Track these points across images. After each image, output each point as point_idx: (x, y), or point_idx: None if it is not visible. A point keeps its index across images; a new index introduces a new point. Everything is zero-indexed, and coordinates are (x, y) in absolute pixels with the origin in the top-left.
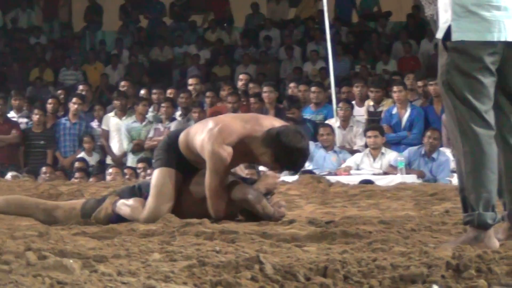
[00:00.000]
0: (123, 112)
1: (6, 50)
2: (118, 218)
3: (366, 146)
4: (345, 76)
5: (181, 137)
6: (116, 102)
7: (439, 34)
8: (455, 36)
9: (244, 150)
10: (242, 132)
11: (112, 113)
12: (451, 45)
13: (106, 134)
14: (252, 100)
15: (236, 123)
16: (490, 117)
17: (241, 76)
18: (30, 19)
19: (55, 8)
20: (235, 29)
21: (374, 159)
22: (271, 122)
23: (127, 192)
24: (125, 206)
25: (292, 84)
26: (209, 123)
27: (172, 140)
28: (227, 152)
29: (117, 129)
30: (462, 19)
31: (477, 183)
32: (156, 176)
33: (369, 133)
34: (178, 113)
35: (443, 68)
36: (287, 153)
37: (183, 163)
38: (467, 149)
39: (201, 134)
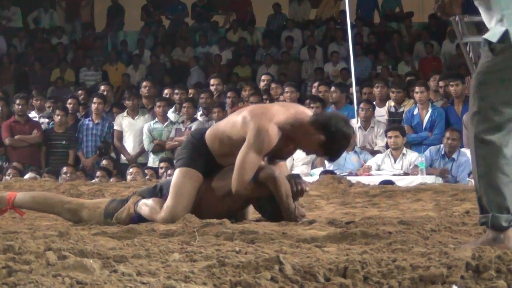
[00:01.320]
0: (135, 112)
1: (28, 50)
2: (139, 218)
3: (387, 146)
4: (366, 76)
5: (209, 132)
6: (128, 102)
7: (493, 38)
8: None
9: (289, 133)
10: (289, 115)
11: (124, 113)
12: (501, 48)
13: (119, 135)
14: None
15: (278, 107)
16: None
17: (263, 77)
18: (52, 19)
19: (77, 8)
20: (257, 29)
21: (395, 159)
22: (308, 110)
23: (149, 192)
24: (145, 206)
25: (315, 84)
26: (247, 109)
27: (196, 139)
28: (274, 131)
29: (130, 129)
30: None
31: (489, 186)
32: (176, 176)
33: (390, 134)
34: (199, 113)
35: (483, 68)
36: (336, 139)
37: (207, 162)
38: (480, 152)
39: (238, 118)
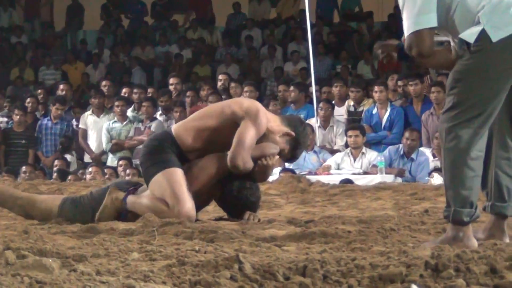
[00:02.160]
0: (100, 110)
1: None
2: (127, 214)
3: (346, 146)
4: (326, 76)
5: (179, 130)
6: (94, 100)
7: (470, 38)
8: (497, 35)
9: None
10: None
11: (89, 111)
12: (477, 48)
13: (84, 133)
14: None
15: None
16: (489, 122)
17: (220, 77)
18: (11, 18)
19: (37, 7)
20: (216, 28)
21: (355, 159)
22: None
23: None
24: (140, 205)
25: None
26: (229, 101)
27: (161, 141)
28: (264, 120)
29: (95, 127)
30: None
31: (454, 179)
32: (162, 179)
33: (350, 133)
34: (159, 113)
35: (459, 66)
36: (303, 140)
37: (179, 159)
38: (448, 146)
39: (225, 108)
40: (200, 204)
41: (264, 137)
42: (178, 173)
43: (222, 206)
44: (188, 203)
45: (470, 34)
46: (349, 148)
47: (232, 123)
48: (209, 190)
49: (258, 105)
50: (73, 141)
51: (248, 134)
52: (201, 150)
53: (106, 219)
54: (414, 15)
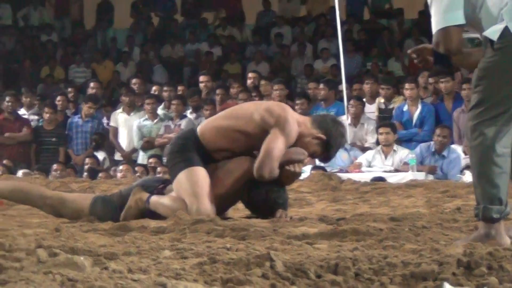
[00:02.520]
0: (131, 108)
1: (17, 47)
2: (151, 214)
3: (377, 143)
4: (356, 73)
5: (205, 129)
6: (124, 98)
7: (493, 35)
8: None
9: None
10: (296, 114)
11: (120, 110)
12: (501, 45)
13: (114, 131)
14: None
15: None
16: None
17: (250, 75)
18: (42, 16)
19: (67, 5)
20: (246, 26)
21: (386, 156)
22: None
23: (152, 183)
24: (162, 206)
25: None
26: (261, 105)
27: (186, 139)
28: (296, 127)
29: (125, 125)
30: None
31: (481, 176)
32: (185, 178)
33: (381, 130)
34: (189, 111)
35: (483, 64)
36: (335, 137)
37: (203, 159)
38: (475, 143)
39: (255, 114)
40: (226, 205)
41: (298, 144)
42: (200, 172)
43: (250, 209)
44: (206, 203)
45: (493, 32)
46: (380, 146)
47: (260, 129)
48: (235, 192)
49: (288, 112)
50: (105, 138)
51: (276, 144)
52: (225, 150)
53: (130, 219)
54: (442, 12)
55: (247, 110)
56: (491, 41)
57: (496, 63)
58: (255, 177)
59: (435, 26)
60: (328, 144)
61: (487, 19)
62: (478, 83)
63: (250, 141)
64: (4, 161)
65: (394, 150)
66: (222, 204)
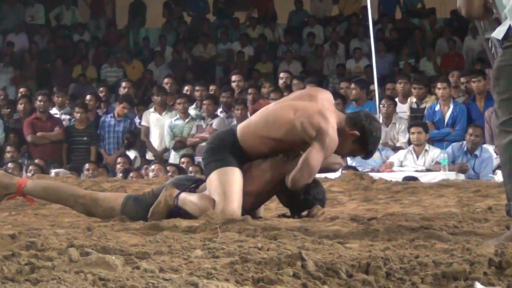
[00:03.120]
0: (162, 107)
1: (50, 47)
2: (179, 212)
3: (409, 143)
4: (388, 73)
5: (245, 132)
6: (156, 98)
7: (499, 35)
8: None
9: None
10: (333, 114)
11: (151, 109)
12: (508, 44)
13: (146, 130)
14: None
15: (323, 105)
16: None
17: (282, 74)
18: (74, 16)
19: (102, 5)
20: (278, 25)
21: (418, 156)
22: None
23: (182, 183)
24: (191, 203)
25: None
26: (298, 110)
27: (224, 141)
28: (335, 135)
29: (157, 124)
30: None
31: (511, 174)
32: (217, 177)
33: (413, 130)
34: (219, 110)
35: (496, 64)
36: (371, 133)
37: (240, 161)
38: (502, 142)
39: (294, 122)
40: (258, 202)
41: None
42: (232, 173)
43: (288, 205)
44: (233, 204)
45: (499, 32)
46: (412, 145)
47: (301, 139)
48: (268, 191)
49: (329, 121)
50: (137, 137)
51: (316, 158)
52: (263, 154)
53: (158, 215)
54: None
55: (287, 118)
56: (500, 41)
57: (505, 62)
58: (287, 185)
59: None
60: (363, 140)
61: (500, 17)
62: (496, 83)
63: (289, 148)
64: (36, 160)
65: (426, 150)
66: (255, 202)
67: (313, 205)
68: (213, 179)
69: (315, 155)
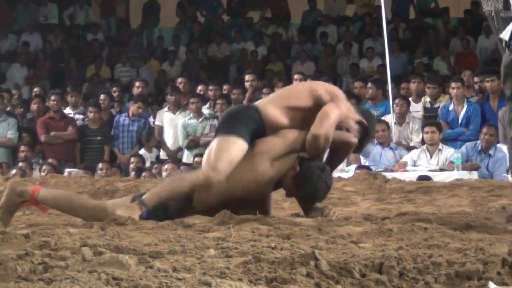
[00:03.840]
0: (176, 107)
1: (63, 46)
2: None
3: (422, 142)
4: (402, 72)
5: (267, 107)
6: (170, 97)
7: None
8: None
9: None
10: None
11: (165, 108)
12: None
13: (160, 130)
14: None
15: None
16: None
17: (295, 76)
18: (88, 16)
19: (113, 5)
20: (291, 25)
21: (431, 155)
22: None
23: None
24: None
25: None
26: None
27: (243, 113)
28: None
29: (171, 124)
30: None
31: None
32: (218, 140)
33: (427, 129)
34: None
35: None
36: (372, 131)
37: (253, 136)
38: None
39: (307, 89)
40: (275, 178)
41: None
42: (237, 144)
43: (299, 184)
44: (222, 173)
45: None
46: (425, 145)
47: (317, 106)
48: (284, 163)
49: (341, 92)
50: (153, 134)
51: (333, 112)
52: (283, 127)
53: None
54: None
55: (303, 89)
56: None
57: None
58: (309, 139)
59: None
60: (366, 132)
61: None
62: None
63: (308, 120)
64: (50, 160)
65: (440, 149)
66: (270, 175)
67: (321, 188)
68: (212, 144)
69: (331, 108)
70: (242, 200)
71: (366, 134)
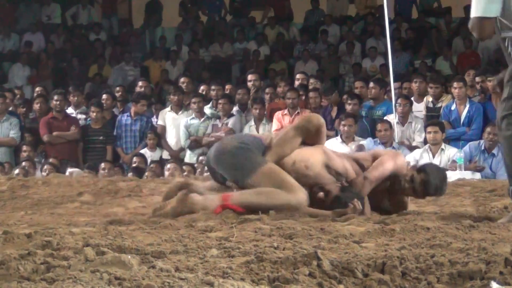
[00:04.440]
0: (179, 107)
1: (66, 46)
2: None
3: (425, 142)
4: (404, 72)
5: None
6: (173, 97)
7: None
8: None
9: None
10: None
11: (168, 108)
12: None
13: (162, 130)
14: (311, 94)
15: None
16: None
17: (298, 76)
18: (90, 15)
19: (114, 4)
20: (294, 25)
21: (434, 155)
22: None
23: None
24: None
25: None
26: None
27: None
28: None
29: (173, 124)
30: None
31: None
32: (265, 176)
33: (430, 129)
34: (235, 108)
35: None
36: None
37: None
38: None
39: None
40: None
41: None
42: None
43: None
44: (302, 190)
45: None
46: (428, 145)
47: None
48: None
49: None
50: (158, 136)
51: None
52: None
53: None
54: (482, 1)
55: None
56: None
57: None
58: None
59: (473, 12)
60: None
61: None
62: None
63: None
64: (51, 160)
65: (442, 149)
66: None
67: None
68: (263, 178)
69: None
70: None
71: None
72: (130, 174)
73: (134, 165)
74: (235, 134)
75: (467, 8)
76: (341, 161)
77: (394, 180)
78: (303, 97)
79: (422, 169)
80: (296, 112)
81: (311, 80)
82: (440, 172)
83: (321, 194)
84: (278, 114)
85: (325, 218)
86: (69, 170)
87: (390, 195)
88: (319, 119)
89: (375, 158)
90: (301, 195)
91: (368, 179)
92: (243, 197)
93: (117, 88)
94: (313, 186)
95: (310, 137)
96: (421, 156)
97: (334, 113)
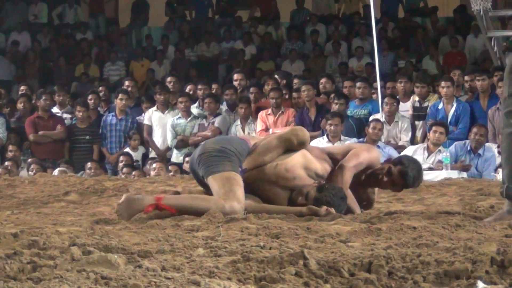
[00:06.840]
0: (165, 106)
1: (52, 45)
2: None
3: (411, 142)
4: (391, 71)
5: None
6: (159, 97)
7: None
8: None
9: None
10: None
11: (154, 108)
12: None
13: (149, 129)
14: (294, 94)
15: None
16: None
17: (276, 76)
18: (77, 15)
19: (101, 4)
20: (281, 24)
21: (429, 154)
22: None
23: None
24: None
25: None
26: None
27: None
28: None
29: (160, 123)
30: None
31: (509, 159)
32: (221, 179)
33: (436, 128)
34: (224, 108)
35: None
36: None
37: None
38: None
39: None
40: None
41: None
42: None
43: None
44: (240, 204)
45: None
46: (427, 143)
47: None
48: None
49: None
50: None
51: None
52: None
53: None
54: None
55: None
56: None
57: None
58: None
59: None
60: None
61: None
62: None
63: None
64: (37, 159)
65: (439, 151)
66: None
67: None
68: (215, 181)
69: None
70: None
71: None
72: (122, 173)
73: (121, 164)
74: (221, 137)
75: (456, 10)
76: (320, 163)
77: (370, 174)
78: (287, 96)
79: (398, 162)
80: (280, 112)
81: (295, 80)
82: (416, 163)
83: (300, 199)
84: (262, 114)
85: (311, 218)
86: (57, 169)
87: (361, 190)
88: (304, 134)
89: (349, 151)
90: (236, 205)
91: (346, 167)
92: (177, 199)
93: (100, 88)
94: (293, 190)
95: (292, 148)
96: (414, 152)
97: (312, 114)
